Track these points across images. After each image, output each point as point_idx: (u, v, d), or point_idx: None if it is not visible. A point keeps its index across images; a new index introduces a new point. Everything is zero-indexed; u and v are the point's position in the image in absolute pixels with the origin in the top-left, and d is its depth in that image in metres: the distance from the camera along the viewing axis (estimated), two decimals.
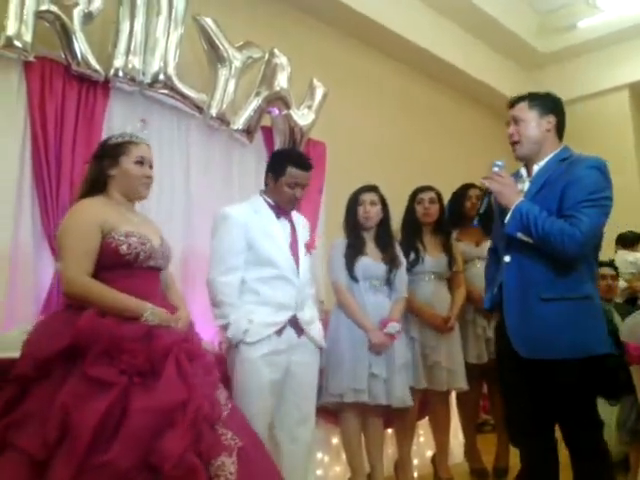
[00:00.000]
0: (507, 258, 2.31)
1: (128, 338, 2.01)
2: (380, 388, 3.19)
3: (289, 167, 2.77)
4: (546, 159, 2.37)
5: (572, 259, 2.23)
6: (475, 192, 3.87)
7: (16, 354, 2.15)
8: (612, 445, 3.67)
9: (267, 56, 4.58)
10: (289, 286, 2.74)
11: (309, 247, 2.88)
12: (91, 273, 2.14)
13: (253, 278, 2.70)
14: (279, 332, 2.68)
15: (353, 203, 3.43)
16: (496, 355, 2.62)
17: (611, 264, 4.35)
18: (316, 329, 2.86)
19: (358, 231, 3.40)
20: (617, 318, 3.97)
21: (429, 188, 3.78)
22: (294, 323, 2.74)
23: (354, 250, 3.32)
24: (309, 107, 4.84)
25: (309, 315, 2.82)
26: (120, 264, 2.18)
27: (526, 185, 2.39)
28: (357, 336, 3.21)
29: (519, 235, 2.22)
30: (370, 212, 3.38)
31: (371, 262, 3.33)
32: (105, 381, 1.90)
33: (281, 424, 2.73)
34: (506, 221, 2.24)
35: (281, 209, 2.84)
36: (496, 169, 2.35)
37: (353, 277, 3.29)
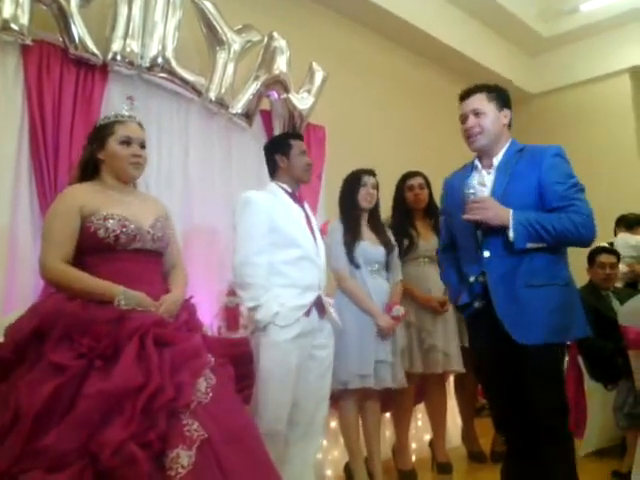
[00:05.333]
0: (486, 253, 2.33)
1: (94, 321, 1.98)
2: (386, 372, 3.23)
3: (291, 140, 2.99)
4: (503, 150, 2.43)
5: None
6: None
7: None
8: (609, 429, 3.71)
9: (266, 39, 4.54)
10: (313, 266, 2.80)
11: (322, 231, 2.98)
12: (71, 258, 2.13)
13: (279, 261, 2.73)
14: (307, 313, 2.73)
15: (354, 184, 3.39)
16: (473, 346, 2.63)
17: (612, 250, 4.29)
18: (334, 311, 2.93)
19: (357, 213, 3.38)
20: (616, 303, 3.97)
21: (417, 173, 3.82)
22: (318, 304, 2.80)
23: (352, 235, 3.31)
24: (308, 91, 4.80)
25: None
26: (101, 248, 2.15)
27: (486, 176, 2.42)
28: (363, 322, 3.22)
29: (529, 245, 2.24)
30: (373, 195, 3.38)
31: (369, 246, 3.33)
32: (59, 365, 1.87)
33: (299, 406, 2.74)
34: (511, 238, 2.23)
35: (294, 195, 2.92)
36: (471, 197, 2.32)
37: (354, 263, 3.29)
